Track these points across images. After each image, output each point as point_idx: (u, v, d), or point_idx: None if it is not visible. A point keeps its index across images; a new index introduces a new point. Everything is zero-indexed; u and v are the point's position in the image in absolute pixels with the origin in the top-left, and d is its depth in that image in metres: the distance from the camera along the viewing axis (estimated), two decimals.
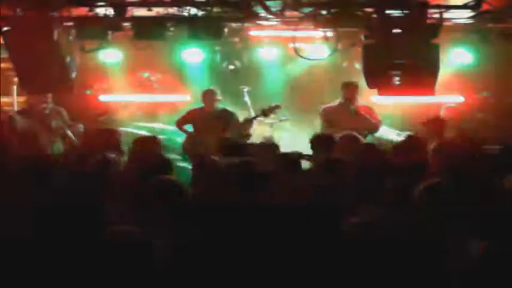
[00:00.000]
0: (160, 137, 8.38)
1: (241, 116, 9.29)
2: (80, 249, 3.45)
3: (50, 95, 8.97)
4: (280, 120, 9.88)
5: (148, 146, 6.48)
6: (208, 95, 9.05)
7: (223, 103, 9.32)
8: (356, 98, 8.95)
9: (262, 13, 8.18)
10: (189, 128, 9.23)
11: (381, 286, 3.51)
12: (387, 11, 7.71)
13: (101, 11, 7.91)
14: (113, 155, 5.68)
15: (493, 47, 9.04)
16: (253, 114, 9.39)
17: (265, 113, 9.05)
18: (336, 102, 9.05)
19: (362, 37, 7.99)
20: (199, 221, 4.09)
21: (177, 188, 4.37)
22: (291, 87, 10.44)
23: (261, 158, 5.58)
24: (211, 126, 8.79)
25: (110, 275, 3.16)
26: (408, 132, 9.21)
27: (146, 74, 10.33)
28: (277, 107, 9.12)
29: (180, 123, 9.23)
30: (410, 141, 6.95)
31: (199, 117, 9.05)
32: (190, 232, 3.87)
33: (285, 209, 4.30)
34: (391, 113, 9.95)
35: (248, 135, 8.94)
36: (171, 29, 8.26)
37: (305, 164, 6.38)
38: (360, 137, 7.27)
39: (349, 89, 8.93)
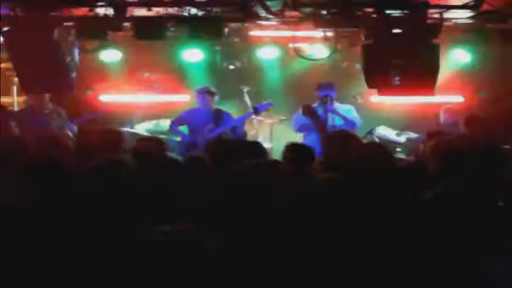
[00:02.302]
0: (160, 136, 8.42)
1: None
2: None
3: (48, 95, 8.95)
4: (280, 120, 9.89)
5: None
6: (201, 94, 9.03)
7: (223, 103, 9.33)
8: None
9: (262, 13, 8.18)
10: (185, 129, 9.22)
11: None
12: (387, 11, 7.72)
13: (101, 11, 7.91)
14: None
15: (493, 47, 9.03)
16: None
17: (257, 110, 9.04)
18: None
19: (362, 37, 8.00)
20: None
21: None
22: (291, 87, 10.44)
23: None
24: (204, 126, 8.79)
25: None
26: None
27: (146, 74, 10.32)
28: (268, 104, 9.11)
29: (174, 125, 9.20)
30: None
31: (193, 117, 9.04)
32: None
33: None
34: (391, 113, 9.96)
35: (244, 134, 8.94)
36: (171, 29, 8.26)
37: None
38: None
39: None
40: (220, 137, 7.82)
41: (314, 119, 8.16)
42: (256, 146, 6.02)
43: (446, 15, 7.95)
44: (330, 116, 8.62)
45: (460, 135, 7.33)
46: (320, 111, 8.58)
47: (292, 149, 5.75)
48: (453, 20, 8.41)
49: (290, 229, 4.08)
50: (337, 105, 8.78)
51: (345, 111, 8.76)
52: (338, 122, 8.61)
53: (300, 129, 8.80)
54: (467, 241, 3.48)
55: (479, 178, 4.93)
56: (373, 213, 4.30)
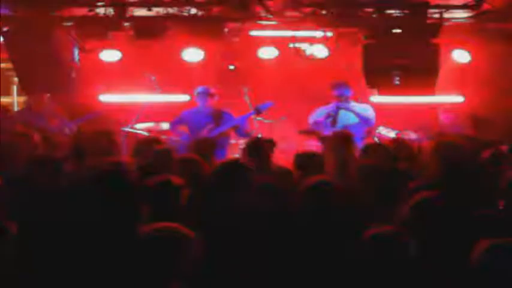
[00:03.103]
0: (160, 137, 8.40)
1: None
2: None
3: (48, 95, 8.96)
4: (279, 120, 9.90)
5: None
6: (201, 95, 9.03)
7: (222, 103, 9.32)
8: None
9: (262, 13, 8.19)
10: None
11: None
12: (387, 11, 7.73)
13: (101, 11, 7.91)
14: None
15: (493, 47, 9.02)
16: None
17: (258, 110, 9.04)
18: None
19: (362, 37, 8.01)
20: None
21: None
22: (291, 87, 10.43)
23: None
24: (204, 126, 8.79)
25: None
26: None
27: (146, 74, 10.31)
28: (269, 104, 9.11)
29: (174, 125, 9.20)
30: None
31: (192, 117, 9.03)
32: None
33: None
34: (391, 113, 9.95)
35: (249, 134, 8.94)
36: (171, 29, 8.26)
37: None
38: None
39: None
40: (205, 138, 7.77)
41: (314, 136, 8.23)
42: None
43: (446, 15, 7.96)
44: (344, 115, 8.66)
45: (461, 135, 7.33)
46: (333, 110, 8.66)
47: (299, 157, 5.81)
48: (453, 20, 8.41)
49: (290, 230, 4.09)
50: (352, 103, 8.79)
51: (360, 109, 8.76)
52: (352, 120, 8.62)
53: (313, 124, 8.84)
54: (467, 241, 3.47)
55: (481, 178, 4.94)
56: (372, 213, 4.30)
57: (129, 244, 3.43)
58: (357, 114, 8.65)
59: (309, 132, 8.46)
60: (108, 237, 3.76)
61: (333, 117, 8.72)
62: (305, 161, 5.77)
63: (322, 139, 7.02)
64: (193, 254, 3.31)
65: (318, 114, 8.79)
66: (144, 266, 3.25)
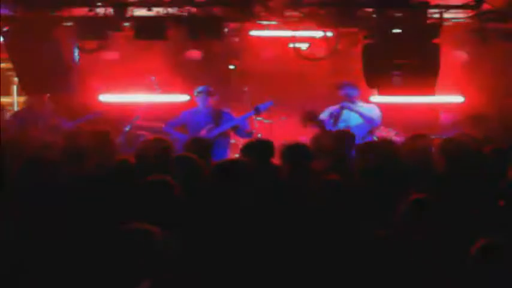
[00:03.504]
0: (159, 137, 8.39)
1: None
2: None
3: (48, 95, 8.96)
4: (279, 120, 9.90)
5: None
6: (201, 95, 9.02)
7: (222, 103, 9.31)
8: None
9: (262, 13, 8.19)
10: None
11: None
12: (387, 11, 7.73)
13: (101, 11, 7.91)
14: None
15: (493, 47, 9.02)
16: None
17: (258, 110, 9.03)
18: None
19: (362, 37, 8.01)
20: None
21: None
22: (291, 87, 10.43)
23: None
24: (204, 126, 8.78)
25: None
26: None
27: (146, 74, 10.31)
28: (269, 103, 9.11)
29: (170, 126, 9.17)
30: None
31: (192, 117, 9.02)
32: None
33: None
34: (391, 113, 9.95)
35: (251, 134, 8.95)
36: (171, 29, 8.26)
37: None
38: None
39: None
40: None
41: (316, 125, 8.19)
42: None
43: (446, 15, 7.96)
44: (347, 114, 8.67)
45: (464, 135, 7.32)
46: (337, 109, 8.64)
47: (288, 149, 5.73)
48: (453, 20, 8.41)
49: (293, 227, 4.09)
50: (359, 104, 8.78)
51: (366, 110, 8.75)
52: (355, 120, 8.61)
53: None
54: (470, 239, 3.47)
55: (485, 177, 4.95)
56: (375, 213, 4.30)
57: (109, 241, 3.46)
58: (361, 115, 8.65)
59: (314, 120, 8.32)
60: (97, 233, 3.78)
61: (335, 117, 8.72)
62: (295, 154, 5.67)
63: (314, 138, 6.91)
64: (163, 251, 3.32)
65: (324, 113, 8.80)
66: (115, 262, 3.27)
